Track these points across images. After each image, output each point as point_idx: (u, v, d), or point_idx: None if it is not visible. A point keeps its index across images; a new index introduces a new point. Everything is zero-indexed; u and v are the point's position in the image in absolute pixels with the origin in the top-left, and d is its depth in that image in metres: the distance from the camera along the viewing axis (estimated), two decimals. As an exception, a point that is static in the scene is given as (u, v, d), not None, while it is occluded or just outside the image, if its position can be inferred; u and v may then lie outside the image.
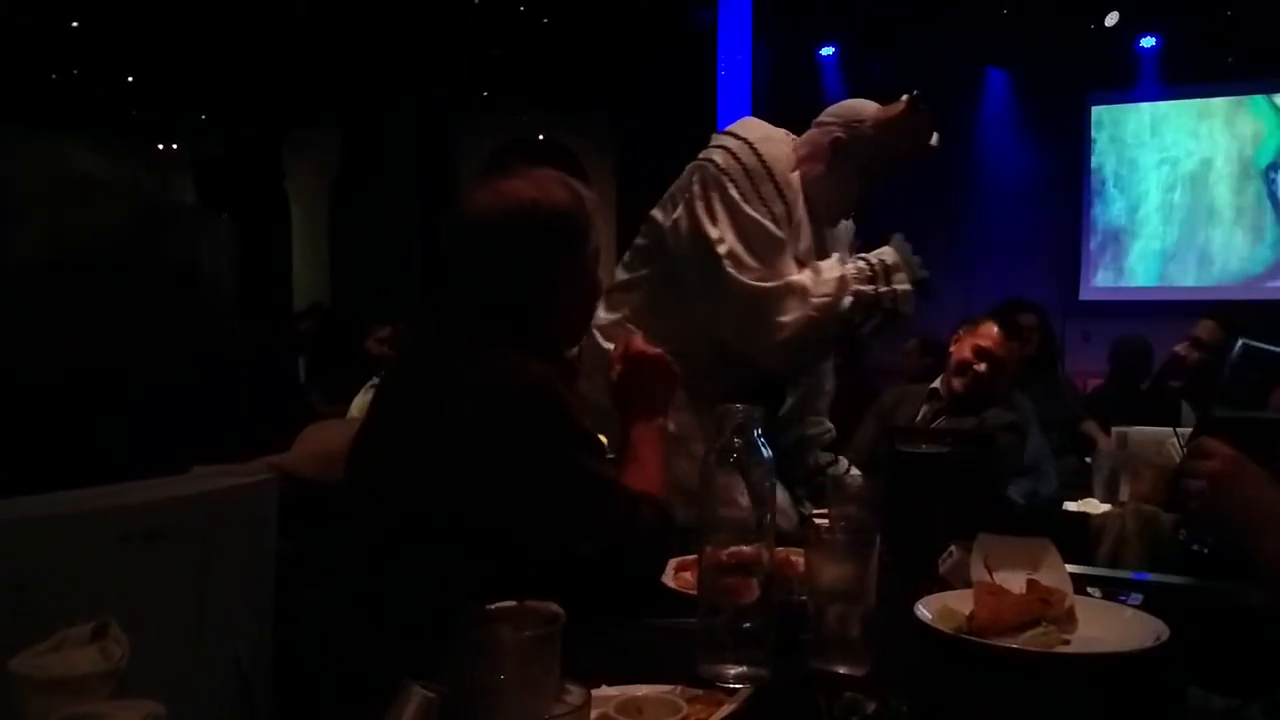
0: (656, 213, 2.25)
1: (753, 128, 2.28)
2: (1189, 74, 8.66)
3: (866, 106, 2.29)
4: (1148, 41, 8.70)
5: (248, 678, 0.85)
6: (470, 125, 10.28)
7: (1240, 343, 1.30)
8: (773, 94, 8.74)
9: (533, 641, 0.86)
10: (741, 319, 2.11)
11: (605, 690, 1.04)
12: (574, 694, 0.85)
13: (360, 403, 4.00)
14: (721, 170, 2.15)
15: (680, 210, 2.18)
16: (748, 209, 2.11)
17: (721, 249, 2.08)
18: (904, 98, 2.28)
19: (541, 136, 10.11)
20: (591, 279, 1.60)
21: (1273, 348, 1.28)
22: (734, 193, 2.12)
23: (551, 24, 8.59)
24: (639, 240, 2.30)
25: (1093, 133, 9.34)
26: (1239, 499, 1.25)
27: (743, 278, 2.07)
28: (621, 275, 2.30)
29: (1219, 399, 1.35)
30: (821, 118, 2.30)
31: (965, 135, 9.05)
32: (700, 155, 2.23)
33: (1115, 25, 8.25)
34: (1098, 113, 9.36)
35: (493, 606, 0.91)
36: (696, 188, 2.15)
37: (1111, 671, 1.25)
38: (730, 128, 2.30)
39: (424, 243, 9.91)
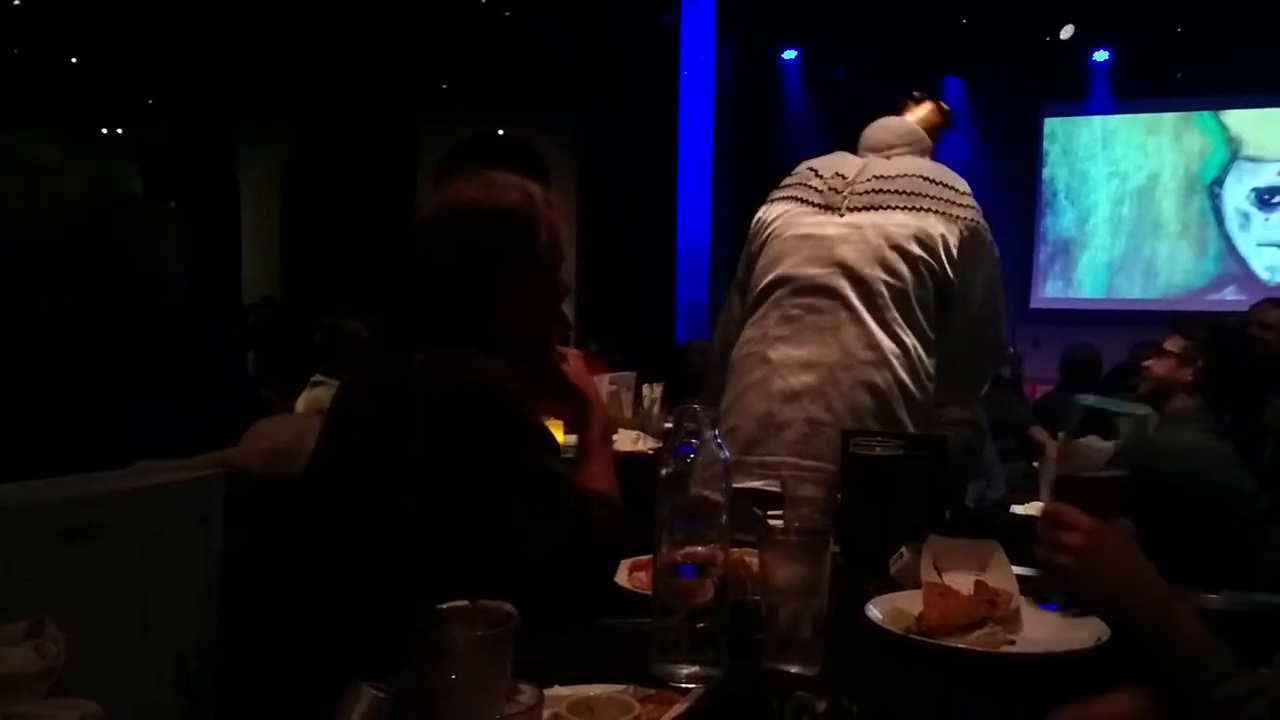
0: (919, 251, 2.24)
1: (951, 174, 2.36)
2: (1139, 89, 8.85)
3: (917, 129, 2.47)
4: (1101, 56, 8.86)
5: (191, 677, 0.83)
6: (431, 120, 10.21)
7: (1080, 405, 1.28)
8: (735, 96, 8.79)
9: (485, 641, 0.86)
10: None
11: (557, 690, 1.04)
12: (526, 694, 0.85)
13: (307, 398, 3.96)
14: (986, 229, 2.33)
15: (975, 270, 2.29)
16: None
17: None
18: (927, 100, 2.58)
19: (501, 132, 10.08)
20: (546, 277, 1.59)
21: (1111, 406, 1.27)
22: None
23: (515, 20, 8.56)
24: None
25: (1045, 144, 9.50)
26: (1109, 573, 1.18)
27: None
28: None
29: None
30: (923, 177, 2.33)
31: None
32: (957, 215, 2.26)
33: (1070, 39, 8.40)
34: (1051, 125, 9.53)
35: (445, 606, 0.90)
36: (983, 250, 2.31)
37: (1054, 670, 1.27)
38: (948, 179, 2.32)
39: (380, 237, 9.82)
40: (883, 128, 2.46)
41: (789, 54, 9.41)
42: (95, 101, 10.19)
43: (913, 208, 2.23)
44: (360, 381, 1.63)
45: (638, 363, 3.13)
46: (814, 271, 2.23)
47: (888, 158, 2.36)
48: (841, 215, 2.28)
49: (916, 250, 2.20)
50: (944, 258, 2.21)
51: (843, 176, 2.34)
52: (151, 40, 8.59)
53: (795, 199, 2.37)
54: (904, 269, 2.19)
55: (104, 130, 10.88)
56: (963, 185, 2.31)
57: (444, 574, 1.14)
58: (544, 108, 9.65)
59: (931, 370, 2.20)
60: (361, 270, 8.56)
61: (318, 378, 4.01)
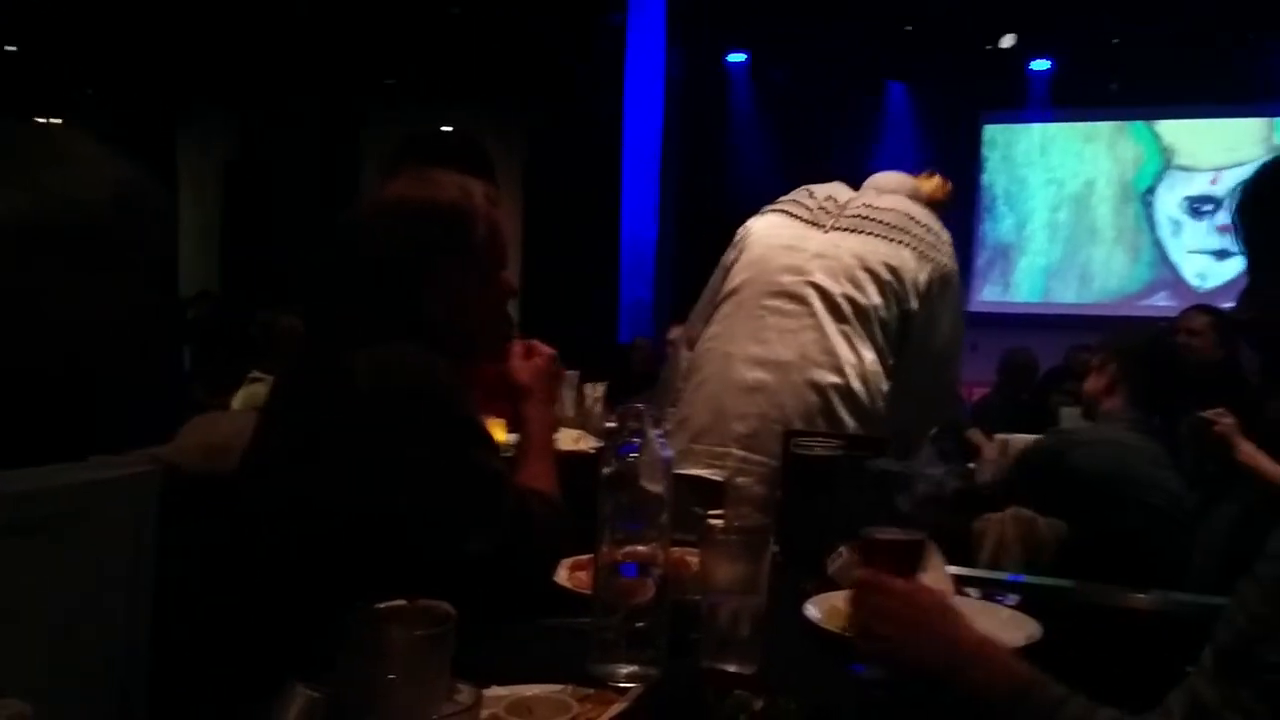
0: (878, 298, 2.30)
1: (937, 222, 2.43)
2: (1077, 98, 9.04)
3: (919, 189, 2.51)
4: (1040, 65, 9.03)
5: (123, 677, 0.82)
6: (375, 115, 10.09)
7: (867, 469, 1.27)
8: (682, 96, 8.82)
9: (423, 641, 0.85)
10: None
11: (495, 690, 1.03)
12: (464, 694, 0.84)
13: (243, 394, 3.90)
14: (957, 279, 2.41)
15: (943, 311, 2.35)
16: None
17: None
18: (938, 177, 2.60)
19: (448, 129, 10.01)
20: (485, 274, 1.58)
21: (896, 467, 1.25)
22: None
23: (462, 16, 8.50)
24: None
25: (985, 151, 9.66)
26: (929, 634, 1.14)
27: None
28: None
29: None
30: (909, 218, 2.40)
31: (866, 146, 9.27)
32: (933, 257, 2.33)
33: (1010, 48, 8.55)
34: (991, 131, 9.69)
35: (382, 605, 0.90)
36: (951, 296, 2.37)
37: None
38: (933, 225, 2.39)
39: (321, 233, 9.69)
40: (889, 175, 2.57)
41: (736, 56, 9.47)
42: (33, 91, 9.92)
43: (891, 239, 2.32)
44: (294, 377, 1.61)
45: (580, 361, 3.12)
46: (784, 278, 2.31)
47: (881, 193, 2.46)
48: (825, 232, 2.36)
49: (886, 275, 2.28)
50: (910, 290, 2.28)
51: (835, 200, 2.43)
52: (92, 30, 8.39)
53: (785, 212, 2.45)
54: (871, 289, 2.26)
55: (41, 120, 10.57)
56: (946, 235, 2.40)
57: (381, 572, 1.13)
58: (490, 105, 9.60)
59: (885, 389, 2.26)
60: (300, 266, 8.44)
61: (254, 374, 3.96)
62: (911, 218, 2.36)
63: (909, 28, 8.43)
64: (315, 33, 8.47)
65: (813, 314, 2.26)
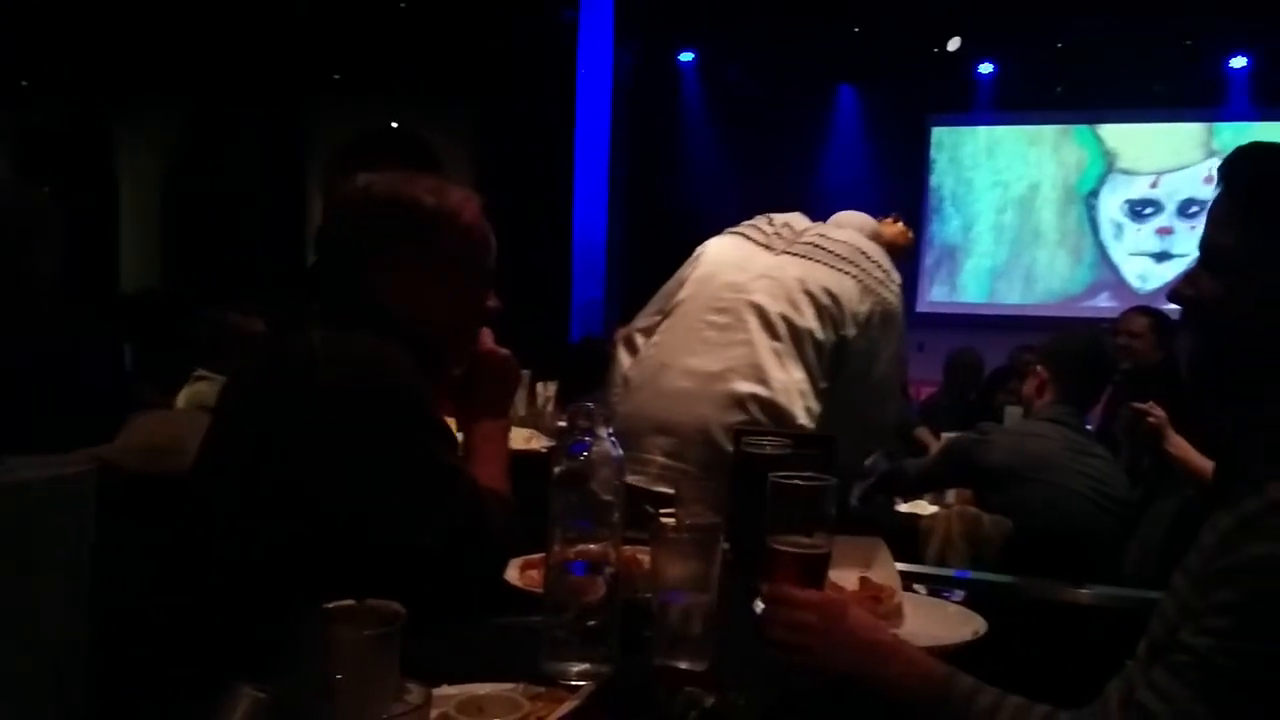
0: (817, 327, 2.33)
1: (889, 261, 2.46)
2: (1022, 102, 9.18)
3: (880, 231, 2.55)
4: (986, 68, 9.16)
5: (62, 678, 0.80)
6: (320, 110, 9.97)
7: (770, 480, 1.27)
8: (632, 94, 8.82)
9: (371, 641, 0.85)
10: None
11: (446, 689, 1.03)
12: (414, 693, 0.84)
13: (188, 393, 3.83)
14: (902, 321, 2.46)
15: (883, 345, 2.40)
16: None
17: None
18: (900, 224, 2.61)
19: (395, 125, 9.91)
20: (441, 274, 1.57)
21: (800, 479, 1.25)
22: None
23: (409, 11, 8.42)
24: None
25: (933, 153, 9.77)
26: (848, 640, 1.15)
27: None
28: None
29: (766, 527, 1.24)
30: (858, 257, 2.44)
31: (816, 147, 9.35)
32: (878, 292, 2.37)
33: (957, 50, 8.66)
34: (938, 133, 9.81)
35: (331, 605, 0.89)
36: (894, 333, 2.41)
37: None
38: (884, 264, 2.44)
39: (265, 229, 9.56)
40: (853, 214, 2.62)
41: (686, 55, 9.50)
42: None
43: (836, 268, 2.37)
44: (251, 368, 1.59)
45: (531, 361, 3.11)
46: (726, 295, 2.36)
47: (841, 228, 2.51)
48: (775, 255, 2.42)
49: (825, 300, 2.32)
50: (849, 318, 2.33)
51: (791, 227, 2.49)
52: (28, 19, 8.19)
53: (741, 235, 2.51)
54: (809, 312, 2.31)
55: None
56: (897, 277, 2.46)
57: (335, 569, 1.12)
58: (438, 101, 9.52)
59: (816, 410, 2.29)
60: (244, 262, 8.33)
61: (200, 372, 3.89)
62: (863, 252, 2.41)
63: (857, 29, 8.51)
64: (261, 25, 8.34)
65: (746, 330, 2.30)
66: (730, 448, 2.12)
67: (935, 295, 9.73)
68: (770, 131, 8.94)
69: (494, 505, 1.49)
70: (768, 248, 2.43)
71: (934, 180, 9.76)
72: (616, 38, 8.39)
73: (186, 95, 9.80)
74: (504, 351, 1.70)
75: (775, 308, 2.30)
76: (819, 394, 2.30)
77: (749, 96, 9.24)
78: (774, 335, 2.29)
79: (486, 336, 1.70)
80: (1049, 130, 9.48)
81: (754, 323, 2.30)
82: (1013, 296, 9.55)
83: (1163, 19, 7.62)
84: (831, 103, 9.59)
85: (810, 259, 2.38)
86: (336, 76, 9.66)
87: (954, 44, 8.57)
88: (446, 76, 9.02)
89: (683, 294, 2.43)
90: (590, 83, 8.43)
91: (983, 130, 9.67)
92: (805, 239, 2.43)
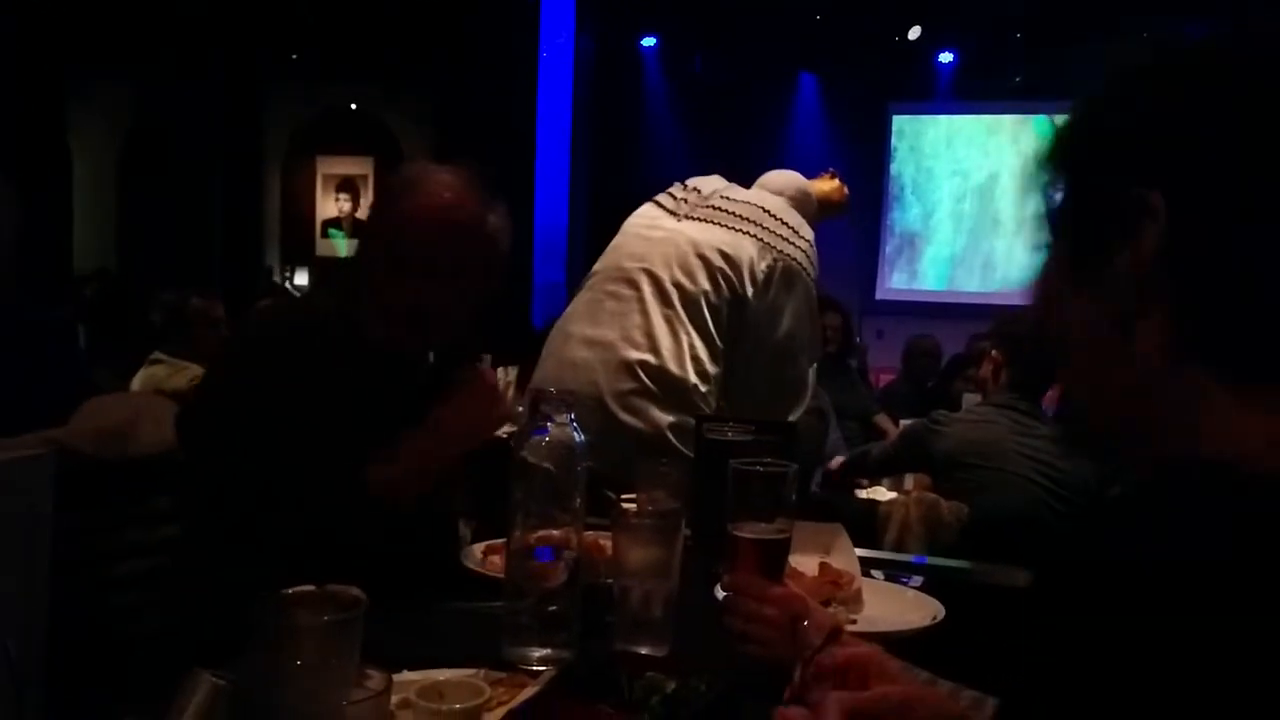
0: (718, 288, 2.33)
1: (806, 224, 2.44)
2: (981, 91, 9.27)
3: (808, 190, 2.54)
4: (946, 57, 9.23)
5: (16, 665, 0.79)
6: (278, 92, 9.83)
7: (732, 466, 1.27)
8: (594, 80, 8.79)
9: (331, 626, 0.84)
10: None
11: (406, 675, 1.02)
12: (374, 679, 0.83)
13: (144, 375, 3.77)
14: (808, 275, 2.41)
15: (783, 303, 2.38)
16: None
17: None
18: (837, 180, 2.63)
19: (354, 107, 9.80)
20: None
21: (761, 465, 1.25)
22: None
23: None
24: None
25: (894, 141, 9.85)
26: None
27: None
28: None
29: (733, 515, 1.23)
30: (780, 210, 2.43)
31: (777, 134, 9.37)
32: (780, 249, 2.36)
33: (918, 39, 8.72)
34: (899, 122, 9.88)
35: (290, 591, 0.88)
36: (799, 291, 2.39)
37: (893, 647, 1.32)
38: (790, 220, 2.42)
39: (222, 209, 9.43)
40: (776, 172, 2.61)
41: (648, 41, 9.47)
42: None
43: (734, 229, 2.38)
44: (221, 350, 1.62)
45: (492, 345, 3.10)
46: (627, 264, 2.39)
47: (761, 190, 2.51)
48: (678, 221, 2.43)
49: (718, 261, 2.34)
50: (746, 277, 2.34)
51: (699, 191, 2.49)
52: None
53: (656, 203, 2.52)
54: (701, 275, 2.33)
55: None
56: (806, 232, 2.45)
57: (291, 557, 1.11)
58: (398, 84, 9.43)
59: (712, 372, 2.32)
60: (200, 242, 8.20)
61: (157, 355, 3.83)
62: (766, 210, 2.41)
63: (819, 17, 8.53)
64: (220, 4, 8.21)
65: (641, 299, 2.33)
66: (624, 416, 2.23)
67: (895, 282, 9.81)
68: (732, 118, 8.95)
69: (350, 498, 1.44)
70: (674, 214, 2.45)
71: (894, 168, 9.83)
72: (578, 22, 8.36)
73: (142, 74, 9.62)
74: (491, 380, 1.75)
75: (668, 275, 2.33)
76: (716, 356, 2.33)
77: (711, 83, 9.25)
78: (666, 303, 2.32)
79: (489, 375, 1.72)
80: (1007, 120, 9.58)
81: (648, 290, 2.33)
82: (972, 284, 9.65)
83: (1121, 9, 7.72)
84: (793, 90, 9.62)
85: (710, 222, 2.40)
86: (295, 57, 9.54)
87: (914, 33, 8.63)
88: (406, 59, 8.93)
89: (597, 264, 2.47)
90: (552, 67, 8.39)
91: (943, 119, 9.76)
92: (710, 202, 2.45)
